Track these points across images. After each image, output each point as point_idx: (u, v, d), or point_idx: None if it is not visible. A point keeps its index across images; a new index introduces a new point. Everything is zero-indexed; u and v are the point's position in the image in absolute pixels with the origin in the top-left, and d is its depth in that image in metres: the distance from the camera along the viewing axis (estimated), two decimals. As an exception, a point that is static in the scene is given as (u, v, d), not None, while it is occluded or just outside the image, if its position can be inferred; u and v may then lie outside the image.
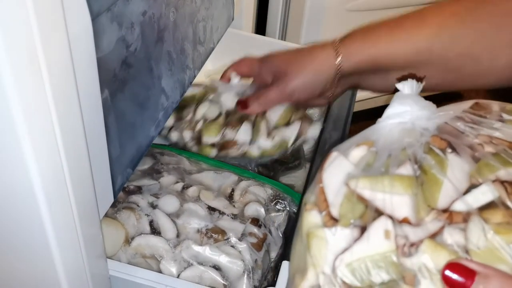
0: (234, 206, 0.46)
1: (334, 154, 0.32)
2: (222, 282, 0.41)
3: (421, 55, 0.46)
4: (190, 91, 0.55)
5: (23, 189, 0.28)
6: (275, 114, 0.53)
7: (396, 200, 0.28)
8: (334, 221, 0.29)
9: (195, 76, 0.51)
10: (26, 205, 0.29)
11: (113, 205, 0.44)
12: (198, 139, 0.54)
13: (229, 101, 0.54)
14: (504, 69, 0.44)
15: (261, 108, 0.52)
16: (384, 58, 0.46)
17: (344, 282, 0.28)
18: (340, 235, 0.29)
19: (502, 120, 0.31)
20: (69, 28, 0.27)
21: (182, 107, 0.56)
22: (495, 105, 0.33)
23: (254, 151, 0.53)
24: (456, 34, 0.44)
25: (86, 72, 0.30)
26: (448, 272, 0.25)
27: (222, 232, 0.43)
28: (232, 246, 0.42)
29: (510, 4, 0.43)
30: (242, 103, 0.52)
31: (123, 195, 0.46)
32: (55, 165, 0.28)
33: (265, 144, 0.52)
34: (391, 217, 0.28)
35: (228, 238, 0.43)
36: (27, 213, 0.30)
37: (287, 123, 0.53)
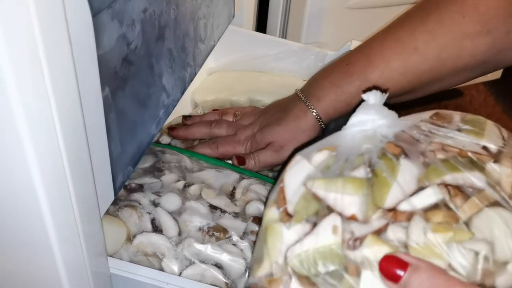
0: (235, 204, 0.46)
1: (297, 158, 0.35)
2: (224, 280, 0.41)
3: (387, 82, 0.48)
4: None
5: (24, 187, 0.28)
6: None
7: (347, 199, 0.31)
8: (289, 217, 0.33)
9: (196, 74, 0.51)
10: (26, 203, 0.29)
11: (115, 203, 0.44)
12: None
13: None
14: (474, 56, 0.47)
15: (256, 168, 0.53)
16: (358, 102, 0.49)
17: (294, 271, 0.31)
18: (293, 229, 0.32)
19: (459, 129, 0.34)
20: (70, 25, 0.26)
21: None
22: (456, 115, 0.37)
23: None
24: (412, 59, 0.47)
25: (86, 69, 0.30)
26: (384, 264, 0.28)
27: (224, 230, 0.43)
28: (234, 245, 0.42)
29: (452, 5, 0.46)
30: (240, 159, 0.53)
31: (125, 193, 0.46)
32: (55, 163, 0.28)
33: None
34: (340, 215, 0.31)
35: (229, 237, 0.43)
36: (28, 211, 0.30)
37: None
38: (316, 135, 0.52)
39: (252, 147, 0.53)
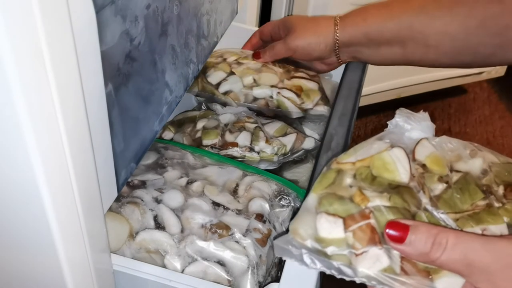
0: (238, 201, 0.46)
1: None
2: (227, 277, 0.41)
3: (403, 31, 0.54)
4: (191, 113, 0.62)
5: (27, 184, 0.28)
6: (271, 128, 0.58)
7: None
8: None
9: (199, 70, 0.51)
10: (30, 199, 0.29)
11: (118, 200, 0.44)
12: (198, 144, 0.56)
13: (226, 119, 0.58)
14: (477, 47, 0.51)
15: (270, 58, 0.62)
16: (373, 33, 0.55)
17: None
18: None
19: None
20: (73, 21, 0.26)
21: (182, 123, 0.60)
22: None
23: (254, 156, 0.55)
24: (434, 15, 0.52)
25: (90, 65, 0.30)
26: (388, 228, 0.32)
27: (227, 227, 0.43)
28: (237, 242, 0.42)
29: None
30: (256, 54, 0.63)
31: (127, 189, 0.46)
32: (59, 159, 0.28)
33: (264, 148, 0.55)
34: None
35: (232, 234, 0.42)
36: (31, 208, 0.30)
37: (283, 135, 0.58)
38: (325, 47, 0.58)
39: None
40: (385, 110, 1.34)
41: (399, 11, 0.54)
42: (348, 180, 0.35)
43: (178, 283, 0.39)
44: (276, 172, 0.55)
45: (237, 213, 0.44)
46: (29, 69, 0.24)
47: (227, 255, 0.41)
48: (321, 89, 0.63)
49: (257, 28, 0.70)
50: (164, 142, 0.55)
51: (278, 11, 0.90)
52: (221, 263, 0.41)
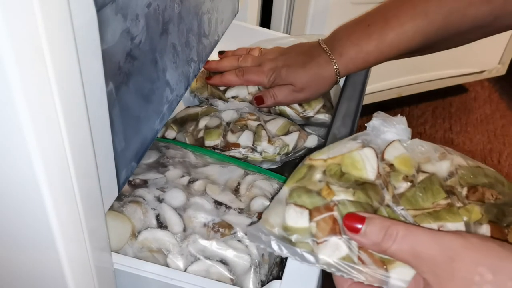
0: (240, 200, 0.46)
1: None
2: (229, 276, 0.40)
3: (418, 43, 0.55)
4: (193, 110, 0.61)
5: (28, 182, 0.28)
6: (274, 126, 0.58)
7: None
8: None
9: (200, 69, 0.50)
10: (30, 198, 0.29)
11: (119, 199, 0.44)
12: (200, 144, 0.56)
13: (229, 116, 0.59)
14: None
15: (273, 104, 0.60)
16: (377, 57, 0.56)
17: None
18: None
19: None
20: (74, 20, 0.26)
21: (184, 121, 0.60)
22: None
23: (256, 156, 0.55)
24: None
25: (91, 64, 0.30)
26: (346, 220, 0.34)
27: (229, 226, 0.43)
28: (239, 241, 0.42)
29: None
30: (258, 98, 0.60)
31: (129, 188, 0.45)
32: (60, 158, 0.28)
33: (267, 149, 0.55)
34: None
35: (234, 233, 0.42)
36: (32, 206, 0.30)
37: (286, 134, 0.58)
38: (331, 87, 0.59)
39: (276, 80, 0.59)
40: (386, 109, 1.33)
41: (403, 25, 0.55)
42: (318, 175, 0.38)
43: (181, 281, 0.39)
44: (278, 171, 0.55)
45: (239, 212, 0.44)
46: (29, 68, 0.24)
47: (229, 254, 0.41)
48: (326, 96, 0.63)
49: (258, 27, 0.71)
50: (165, 141, 0.55)
51: (279, 10, 0.90)
52: (223, 262, 0.41)
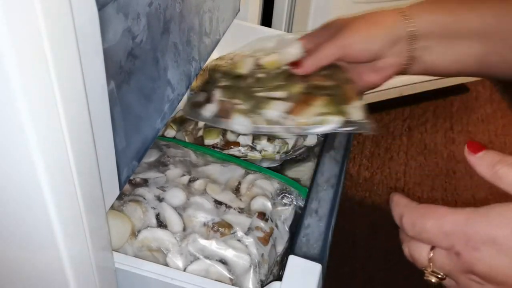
0: (240, 199, 0.46)
1: None
2: (229, 276, 0.40)
3: (488, 25, 0.45)
4: None
5: (29, 181, 0.28)
6: None
7: None
8: None
9: (201, 68, 0.50)
10: (32, 197, 0.29)
11: (120, 198, 0.44)
12: (200, 143, 0.56)
13: None
14: None
15: (314, 65, 0.51)
16: (451, 24, 0.46)
17: None
18: None
19: None
20: (76, 19, 0.26)
21: (184, 120, 0.60)
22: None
23: (256, 155, 0.54)
24: None
25: (92, 63, 0.30)
26: (469, 146, 0.34)
27: (229, 226, 0.43)
28: (239, 240, 0.42)
29: None
30: (295, 63, 0.52)
31: (129, 187, 0.45)
32: (61, 157, 0.28)
33: (266, 147, 0.54)
34: None
35: (234, 232, 0.42)
36: (33, 205, 0.30)
37: None
38: (387, 40, 0.48)
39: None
40: (387, 108, 1.33)
41: (483, 4, 0.46)
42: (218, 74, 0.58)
43: (180, 281, 0.39)
44: (278, 171, 0.55)
45: (239, 212, 0.44)
46: (31, 67, 0.24)
47: (229, 253, 0.41)
48: None
49: (259, 26, 0.70)
50: (166, 140, 0.54)
51: (280, 9, 0.90)
52: (223, 261, 0.41)
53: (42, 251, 0.33)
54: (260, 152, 0.55)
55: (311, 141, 0.57)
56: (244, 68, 0.56)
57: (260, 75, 0.54)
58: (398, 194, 0.35)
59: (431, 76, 1.33)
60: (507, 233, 0.30)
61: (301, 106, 0.48)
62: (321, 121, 0.48)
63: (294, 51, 0.56)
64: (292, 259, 0.38)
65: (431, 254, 0.33)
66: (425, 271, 0.34)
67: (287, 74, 0.53)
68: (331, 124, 0.48)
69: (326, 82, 0.51)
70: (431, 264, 0.33)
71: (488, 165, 0.33)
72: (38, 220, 0.30)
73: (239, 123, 0.51)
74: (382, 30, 0.48)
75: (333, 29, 0.51)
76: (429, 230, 0.32)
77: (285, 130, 0.50)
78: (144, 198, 0.44)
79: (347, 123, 0.48)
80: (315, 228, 0.42)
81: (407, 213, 0.33)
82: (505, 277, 0.30)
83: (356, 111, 0.49)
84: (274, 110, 0.49)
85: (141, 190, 0.45)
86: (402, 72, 0.51)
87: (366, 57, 0.50)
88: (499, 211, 0.31)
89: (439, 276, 0.33)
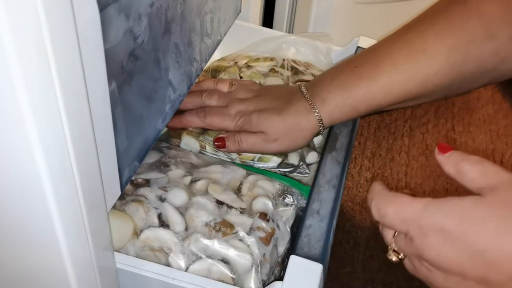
0: (242, 200, 0.46)
1: None
2: (231, 275, 0.40)
3: (412, 94, 0.49)
4: None
5: (31, 182, 0.28)
6: None
7: None
8: None
9: (202, 69, 0.50)
10: (33, 197, 0.29)
11: (121, 198, 0.44)
12: None
13: None
14: (471, 83, 0.50)
15: (236, 151, 0.51)
16: (367, 103, 0.48)
17: None
18: None
19: None
20: (77, 19, 0.26)
21: None
22: None
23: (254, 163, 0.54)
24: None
25: (93, 64, 0.30)
26: (438, 148, 0.38)
27: (231, 226, 0.43)
28: (241, 240, 0.42)
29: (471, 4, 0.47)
30: (219, 140, 0.51)
31: (131, 188, 0.46)
32: (62, 157, 0.28)
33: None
34: None
35: (236, 232, 0.42)
36: (35, 205, 0.30)
37: None
38: (311, 138, 0.51)
39: (244, 125, 0.50)
40: (388, 110, 1.33)
41: (391, 79, 0.47)
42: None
43: (182, 281, 0.39)
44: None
45: (240, 212, 0.44)
46: (32, 67, 0.24)
47: (231, 253, 0.41)
48: None
49: (260, 27, 0.70)
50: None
51: (282, 9, 0.90)
52: (225, 261, 0.41)
53: (43, 251, 0.33)
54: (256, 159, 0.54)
55: (311, 159, 0.56)
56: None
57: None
58: (376, 182, 0.38)
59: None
60: (456, 223, 0.32)
61: None
62: (261, 159, 0.52)
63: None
64: (294, 259, 0.38)
65: (395, 235, 0.36)
66: (389, 249, 0.37)
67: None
68: (270, 163, 0.52)
69: None
70: (393, 244, 0.37)
71: (453, 163, 0.36)
72: (39, 220, 0.31)
73: (188, 145, 0.53)
74: (302, 141, 0.51)
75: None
76: (390, 215, 0.35)
77: (228, 160, 0.52)
78: (146, 198, 0.44)
79: (284, 164, 0.52)
80: (317, 228, 0.42)
81: (376, 198, 0.36)
82: (450, 264, 0.32)
83: (293, 155, 0.53)
84: None
85: (143, 190, 0.45)
86: None
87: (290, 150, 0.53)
88: (453, 203, 0.33)
89: (399, 256, 0.37)
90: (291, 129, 0.49)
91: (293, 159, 0.53)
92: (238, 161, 0.53)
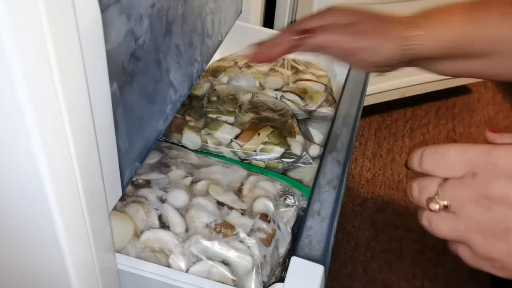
0: (243, 201, 0.46)
1: None
2: (231, 277, 0.40)
3: (503, 43, 0.45)
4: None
5: (33, 183, 0.28)
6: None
7: None
8: None
9: (203, 69, 0.51)
10: (35, 198, 0.29)
11: (122, 199, 0.44)
12: None
13: None
14: None
15: (324, 39, 0.47)
16: (462, 44, 0.45)
17: None
18: None
19: None
20: (79, 21, 0.26)
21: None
22: None
23: (260, 163, 0.54)
24: None
25: (95, 65, 0.30)
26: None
27: (231, 227, 0.43)
28: (241, 241, 0.42)
29: None
30: (306, 31, 0.46)
31: (132, 188, 0.46)
32: (64, 158, 0.28)
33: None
34: None
35: (237, 233, 0.42)
36: (37, 206, 0.30)
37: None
38: (393, 57, 0.46)
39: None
40: (389, 109, 1.33)
41: (496, 15, 0.45)
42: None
43: (183, 282, 0.39)
44: (281, 172, 0.55)
45: (241, 213, 0.44)
46: (34, 69, 0.24)
47: (231, 254, 0.41)
48: (328, 90, 0.63)
49: (261, 27, 0.70)
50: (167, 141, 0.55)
51: (283, 10, 0.90)
52: (225, 262, 0.41)
53: (45, 252, 0.33)
54: (264, 160, 0.55)
55: (314, 152, 0.57)
56: (200, 90, 0.60)
57: (213, 98, 0.58)
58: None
59: (433, 78, 1.33)
60: None
61: (249, 133, 0.54)
62: (264, 150, 0.53)
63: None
64: (295, 261, 0.38)
65: (440, 185, 0.33)
66: (428, 201, 0.33)
67: (237, 101, 0.57)
68: (273, 153, 0.53)
69: (273, 114, 0.57)
70: (439, 192, 0.33)
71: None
72: (41, 221, 0.31)
73: (189, 140, 0.54)
74: (384, 43, 0.46)
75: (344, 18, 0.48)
76: (451, 155, 0.33)
77: (231, 153, 0.54)
78: (147, 199, 0.44)
79: (287, 154, 0.53)
80: (317, 229, 0.42)
81: (431, 147, 0.34)
82: None
83: (297, 144, 0.54)
84: (224, 133, 0.54)
85: (143, 191, 0.45)
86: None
87: (372, 65, 0.49)
88: None
89: (444, 203, 0.33)
90: (380, 24, 0.47)
91: (296, 149, 0.53)
92: (240, 153, 0.53)
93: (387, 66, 0.48)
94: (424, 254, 0.93)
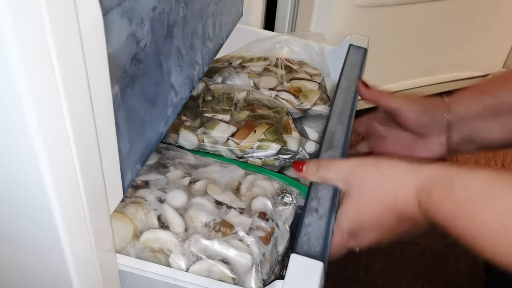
0: (241, 200, 0.46)
1: None
2: (231, 275, 0.41)
3: None
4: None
5: (35, 185, 0.29)
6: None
7: None
8: None
9: (204, 72, 0.51)
10: (37, 200, 0.29)
11: (121, 200, 0.44)
12: None
13: None
14: None
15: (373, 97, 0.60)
16: (492, 102, 0.50)
17: None
18: None
19: None
20: (81, 24, 0.27)
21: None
22: None
23: (256, 161, 0.55)
24: None
25: (97, 67, 0.30)
26: (294, 165, 0.48)
27: (230, 226, 0.43)
28: (240, 240, 0.42)
29: None
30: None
31: (131, 189, 0.46)
32: (66, 160, 0.29)
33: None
34: None
35: (236, 232, 0.43)
36: (39, 208, 0.30)
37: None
38: (433, 117, 0.54)
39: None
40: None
41: None
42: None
43: (183, 281, 0.39)
44: (278, 170, 0.55)
45: (240, 212, 0.45)
46: (37, 71, 0.25)
47: (231, 253, 0.41)
48: (322, 88, 0.63)
49: (262, 30, 0.71)
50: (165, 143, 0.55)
51: (283, 13, 0.91)
52: (225, 261, 0.41)
53: (46, 253, 0.33)
54: (261, 158, 0.55)
55: (310, 148, 0.57)
56: (195, 90, 0.61)
57: (208, 98, 0.59)
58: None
59: (435, 80, 1.33)
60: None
61: (245, 131, 0.54)
62: (260, 147, 0.54)
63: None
64: (294, 258, 0.39)
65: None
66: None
67: (232, 99, 0.58)
68: (270, 150, 0.54)
69: (269, 112, 0.57)
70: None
71: (313, 174, 0.45)
72: (43, 222, 0.31)
73: (186, 139, 0.55)
74: (420, 108, 0.54)
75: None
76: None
77: (228, 151, 0.54)
78: (146, 200, 0.45)
79: (284, 150, 0.54)
80: (316, 226, 0.42)
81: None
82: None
83: (293, 141, 0.54)
84: (220, 132, 0.54)
85: (142, 192, 0.45)
86: (456, 151, 0.55)
87: (417, 129, 0.55)
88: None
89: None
90: (418, 100, 0.57)
91: (292, 145, 0.54)
92: (237, 151, 0.54)
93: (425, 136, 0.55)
94: (425, 257, 0.93)
